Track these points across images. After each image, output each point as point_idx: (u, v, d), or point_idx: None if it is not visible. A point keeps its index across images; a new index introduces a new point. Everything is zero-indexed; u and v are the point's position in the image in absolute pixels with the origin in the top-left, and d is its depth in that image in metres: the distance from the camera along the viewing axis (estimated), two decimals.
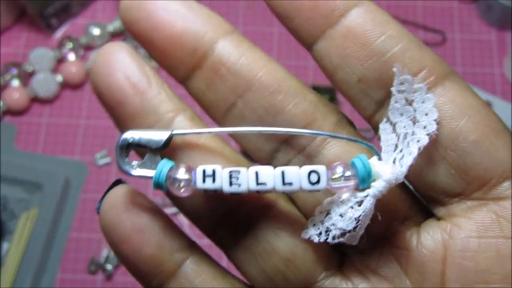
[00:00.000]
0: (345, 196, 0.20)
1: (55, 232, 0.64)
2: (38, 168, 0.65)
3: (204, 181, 0.19)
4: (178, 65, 0.21)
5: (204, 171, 0.19)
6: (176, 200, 0.21)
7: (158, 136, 0.20)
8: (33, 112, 0.70)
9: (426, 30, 0.72)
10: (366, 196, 0.19)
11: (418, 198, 0.21)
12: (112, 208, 0.20)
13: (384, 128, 0.20)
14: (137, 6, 0.20)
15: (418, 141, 0.19)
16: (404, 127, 0.19)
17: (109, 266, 0.62)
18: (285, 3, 0.20)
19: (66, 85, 0.71)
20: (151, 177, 0.19)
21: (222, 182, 0.19)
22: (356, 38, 0.19)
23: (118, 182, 0.21)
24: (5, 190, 0.65)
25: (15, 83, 0.70)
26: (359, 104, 0.20)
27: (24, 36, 0.75)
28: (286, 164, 0.21)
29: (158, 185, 0.19)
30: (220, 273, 0.21)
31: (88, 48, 0.72)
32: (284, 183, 0.19)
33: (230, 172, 0.19)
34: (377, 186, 0.19)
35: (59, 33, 0.74)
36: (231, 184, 0.19)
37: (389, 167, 0.19)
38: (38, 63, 0.70)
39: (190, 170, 0.19)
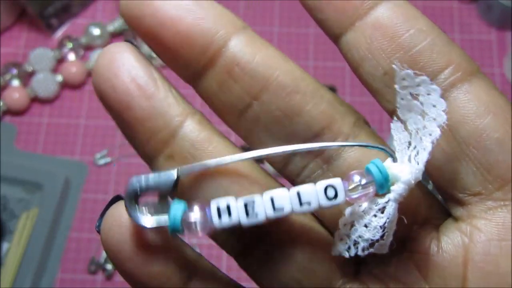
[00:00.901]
0: (365, 204, 0.19)
1: (55, 232, 0.64)
2: (38, 168, 0.65)
3: (220, 217, 0.18)
4: (188, 64, 0.19)
5: (218, 208, 0.18)
6: None
7: (166, 177, 0.19)
8: (33, 112, 0.70)
9: None
10: (387, 202, 0.19)
11: (437, 199, 0.21)
12: (114, 226, 0.19)
13: (395, 127, 0.20)
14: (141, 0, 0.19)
15: (430, 134, 0.18)
16: (415, 122, 0.19)
17: (109, 266, 0.62)
18: None
19: (66, 85, 0.71)
20: (166, 226, 0.19)
21: (239, 216, 0.18)
22: (385, 31, 0.19)
23: (117, 198, 0.20)
24: (5, 190, 0.65)
25: (15, 83, 0.70)
26: (384, 97, 0.19)
27: (24, 36, 0.75)
28: (303, 168, 0.20)
29: (175, 232, 0.18)
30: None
31: (88, 48, 0.72)
32: (301, 204, 0.18)
33: (245, 203, 0.18)
34: (397, 190, 0.18)
35: (59, 33, 0.74)
36: (248, 215, 0.18)
37: (406, 167, 0.19)
38: (38, 63, 0.70)
39: (203, 208, 0.18)
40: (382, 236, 0.19)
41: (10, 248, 0.62)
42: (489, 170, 0.18)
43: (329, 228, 0.21)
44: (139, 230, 0.19)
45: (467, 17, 0.73)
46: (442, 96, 0.18)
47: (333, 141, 0.20)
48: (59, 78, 0.70)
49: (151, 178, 0.19)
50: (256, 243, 0.21)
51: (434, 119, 0.18)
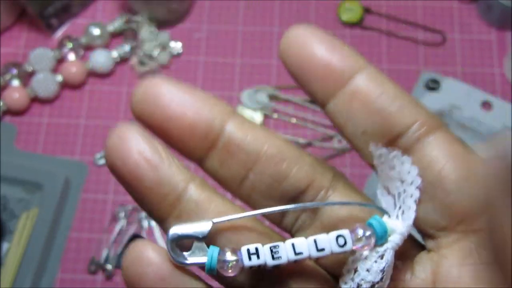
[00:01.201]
0: (366, 253, 0.22)
1: (55, 232, 0.64)
2: (38, 168, 0.65)
3: (250, 259, 0.22)
4: (193, 150, 0.23)
5: (248, 250, 0.22)
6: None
7: (201, 227, 0.22)
8: (33, 112, 0.70)
9: (426, 30, 0.72)
10: (386, 250, 0.22)
11: (411, 236, 0.24)
12: (134, 261, 0.22)
13: (381, 193, 0.24)
14: (151, 100, 0.22)
15: (411, 196, 0.22)
16: (396, 188, 0.23)
17: (109, 266, 0.62)
18: (301, 69, 0.23)
19: (66, 85, 0.71)
20: (203, 263, 0.22)
21: (265, 258, 0.22)
22: (361, 98, 0.22)
23: (135, 236, 0.23)
24: (5, 190, 0.65)
25: (15, 83, 0.70)
26: (364, 152, 0.23)
27: (24, 36, 0.75)
28: (296, 220, 0.24)
29: (210, 270, 0.22)
30: None
31: (88, 48, 0.72)
32: (318, 250, 0.22)
33: (271, 247, 0.22)
34: (394, 240, 0.22)
35: (59, 33, 0.74)
36: (273, 258, 0.22)
37: (399, 222, 0.22)
38: (38, 63, 0.70)
39: (235, 251, 0.22)
40: (381, 279, 0.22)
41: (10, 248, 0.62)
42: (451, 208, 0.22)
43: (323, 267, 0.24)
44: (157, 264, 0.22)
45: (467, 17, 0.73)
46: (411, 148, 0.22)
47: (316, 194, 0.24)
48: (59, 78, 0.70)
49: (188, 227, 0.22)
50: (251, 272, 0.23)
51: (411, 183, 0.22)
